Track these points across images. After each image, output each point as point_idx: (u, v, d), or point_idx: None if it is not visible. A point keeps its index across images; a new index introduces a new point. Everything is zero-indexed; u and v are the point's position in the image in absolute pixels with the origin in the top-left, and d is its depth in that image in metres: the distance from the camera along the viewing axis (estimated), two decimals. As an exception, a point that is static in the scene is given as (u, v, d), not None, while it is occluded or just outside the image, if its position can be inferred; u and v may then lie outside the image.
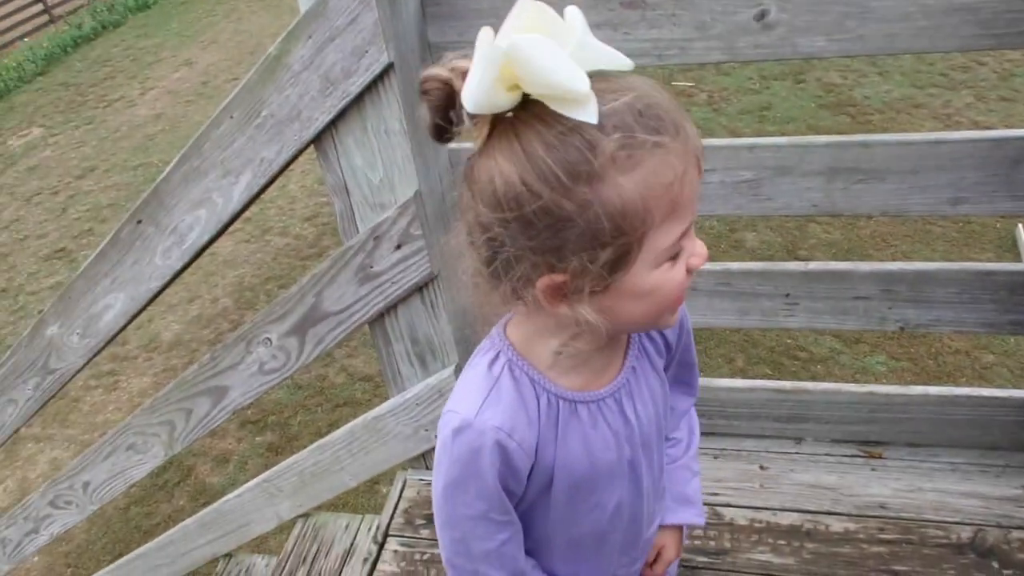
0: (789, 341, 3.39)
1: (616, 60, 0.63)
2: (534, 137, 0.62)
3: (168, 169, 1.39)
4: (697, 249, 0.69)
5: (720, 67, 5.22)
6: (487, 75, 0.61)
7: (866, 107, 4.68)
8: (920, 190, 1.36)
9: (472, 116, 0.64)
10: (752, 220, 3.91)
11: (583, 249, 0.64)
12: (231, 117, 1.33)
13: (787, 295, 1.52)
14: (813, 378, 3.22)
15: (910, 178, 1.35)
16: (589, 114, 0.61)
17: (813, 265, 1.51)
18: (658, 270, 0.67)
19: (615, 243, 0.64)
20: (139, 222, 1.44)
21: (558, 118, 0.62)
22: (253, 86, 1.31)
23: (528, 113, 0.63)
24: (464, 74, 0.63)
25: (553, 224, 0.63)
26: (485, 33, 0.61)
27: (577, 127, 0.61)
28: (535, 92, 0.62)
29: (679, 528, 1.05)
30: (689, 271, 0.70)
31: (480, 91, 0.61)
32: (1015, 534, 1.51)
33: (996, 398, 1.60)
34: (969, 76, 4.73)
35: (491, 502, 0.78)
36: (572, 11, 0.62)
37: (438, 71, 0.65)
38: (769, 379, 2.48)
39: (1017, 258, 3.44)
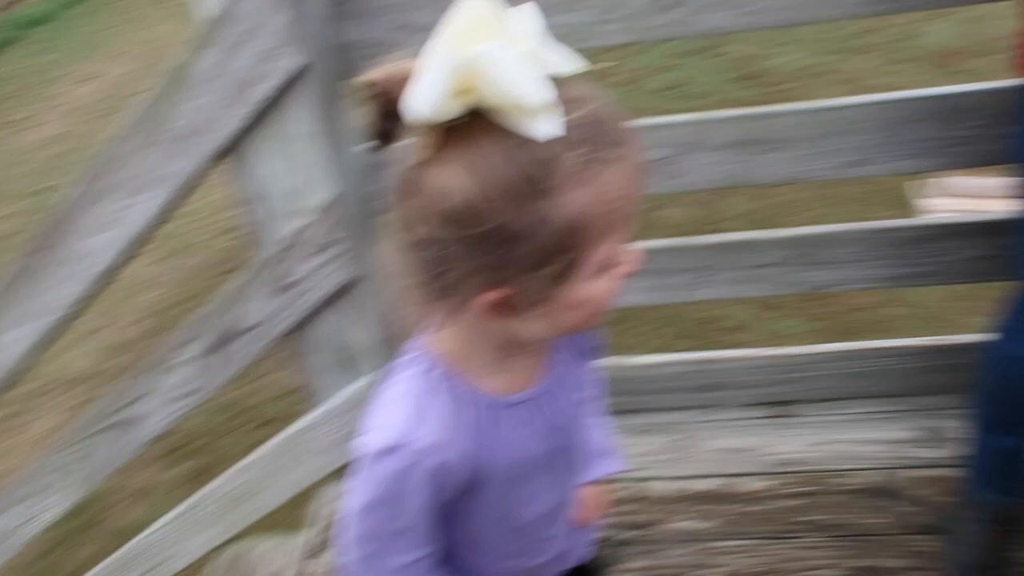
0: (712, 313, 3.48)
1: (570, 61, 0.61)
2: (491, 150, 0.60)
3: (70, 191, 1.34)
4: (631, 255, 0.70)
5: (638, 45, 5.28)
6: (442, 84, 0.58)
7: (780, 77, 4.81)
8: (824, 155, 1.42)
9: (418, 123, 0.61)
10: (673, 197, 3.99)
11: (533, 265, 0.63)
12: (135, 133, 1.29)
13: (701, 268, 1.57)
14: (736, 346, 3.32)
15: (814, 144, 1.41)
16: (552, 128, 0.59)
17: (723, 237, 1.57)
18: (598, 279, 0.67)
19: (565, 257, 0.64)
20: (39, 250, 1.38)
21: (516, 129, 0.60)
22: (158, 99, 1.27)
23: (482, 123, 0.60)
24: (407, 78, 0.60)
25: (508, 240, 0.62)
26: (440, 38, 0.58)
27: (537, 139, 0.60)
28: (494, 104, 0.59)
29: (605, 481, 1.06)
30: (623, 278, 0.70)
31: (432, 99, 0.58)
32: (919, 472, 1.63)
33: (896, 348, 1.70)
34: (877, 39, 4.91)
35: (415, 519, 0.77)
36: (526, 9, 0.60)
37: (379, 75, 0.62)
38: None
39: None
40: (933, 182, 3.35)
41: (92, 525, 3.30)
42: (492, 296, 0.66)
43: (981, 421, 1.43)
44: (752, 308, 3.45)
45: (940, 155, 1.40)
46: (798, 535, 1.56)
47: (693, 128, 1.41)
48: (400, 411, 0.75)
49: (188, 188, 1.34)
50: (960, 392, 1.61)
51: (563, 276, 0.65)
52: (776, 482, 1.64)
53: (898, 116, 1.38)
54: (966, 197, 3.04)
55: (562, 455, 0.88)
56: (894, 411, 1.73)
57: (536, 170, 0.60)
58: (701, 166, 1.42)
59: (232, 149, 1.33)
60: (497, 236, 0.62)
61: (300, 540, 1.79)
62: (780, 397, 1.78)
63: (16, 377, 1.52)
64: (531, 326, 0.69)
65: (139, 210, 1.34)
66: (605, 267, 0.67)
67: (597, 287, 0.68)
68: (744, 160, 1.42)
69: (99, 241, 1.36)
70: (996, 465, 1.44)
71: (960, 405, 1.58)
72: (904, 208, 3.72)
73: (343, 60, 1.33)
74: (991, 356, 1.36)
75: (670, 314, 3.45)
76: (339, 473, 1.72)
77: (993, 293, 1.33)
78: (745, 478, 1.66)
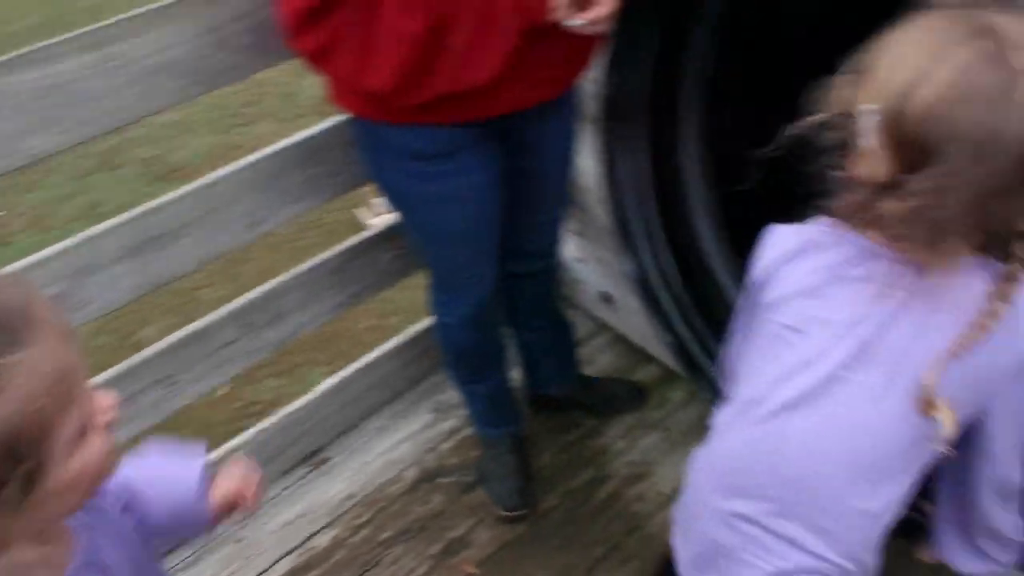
0: (239, 404, 3.39)
1: None
2: None
3: None
4: (103, 403, 0.65)
5: (23, 183, 4.79)
6: None
7: (192, 167, 4.83)
8: (225, 226, 1.46)
9: None
10: (147, 312, 3.76)
11: None
12: None
13: (166, 377, 1.50)
14: (272, 421, 3.28)
15: (212, 219, 1.44)
16: None
17: (174, 337, 1.52)
18: (81, 449, 0.61)
19: (22, 468, 0.57)
20: None
21: None
22: None
23: None
24: None
25: None
26: None
27: None
28: None
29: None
30: (107, 428, 0.65)
31: None
32: (446, 445, 1.83)
33: (382, 354, 1.87)
34: (265, 105, 5.24)
35: None
36: None
37: None
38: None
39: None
40: (370, 203, 3.72)
41: None
42: None
43: (456, 378, 1.67)
44: (272, 379, 3.46)
45: (321, 190, 1.55)
46: (383, 556, 1.63)
47: (81, 250, 1.32)
48: None
49: None
50: (440, 365, 1.86)
51: (34, 480, 0.59)
52: (342, 526, 1.69)
53: (275, 168, 1.50)
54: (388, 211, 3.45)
55: None
56: (403, 409, 1.91)
57: None
58: (104, 286, 1.34)
59: None
60: None
61: None
62: (312, 447, 1.83)
63: None
64: (30, 548, 0.63)
65: None
66: (82, 433, 0.62)
67: (84, 456, 0.62)
68: (150, 261, 1.39)
69: None
70: (483, 408, 1.70)
71: (445, 375, 1.82)
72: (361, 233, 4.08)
73: None
74: (436, 328, 1.59)
75: (202, 422, 3.26)
76: None
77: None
78: (313, 539, 1.67)
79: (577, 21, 1.06)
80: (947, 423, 0.78)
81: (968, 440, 0.87)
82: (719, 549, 0.92)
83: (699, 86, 1.44)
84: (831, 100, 0.78)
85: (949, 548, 0.99)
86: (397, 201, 1.35)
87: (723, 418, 0.95)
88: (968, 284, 0.78)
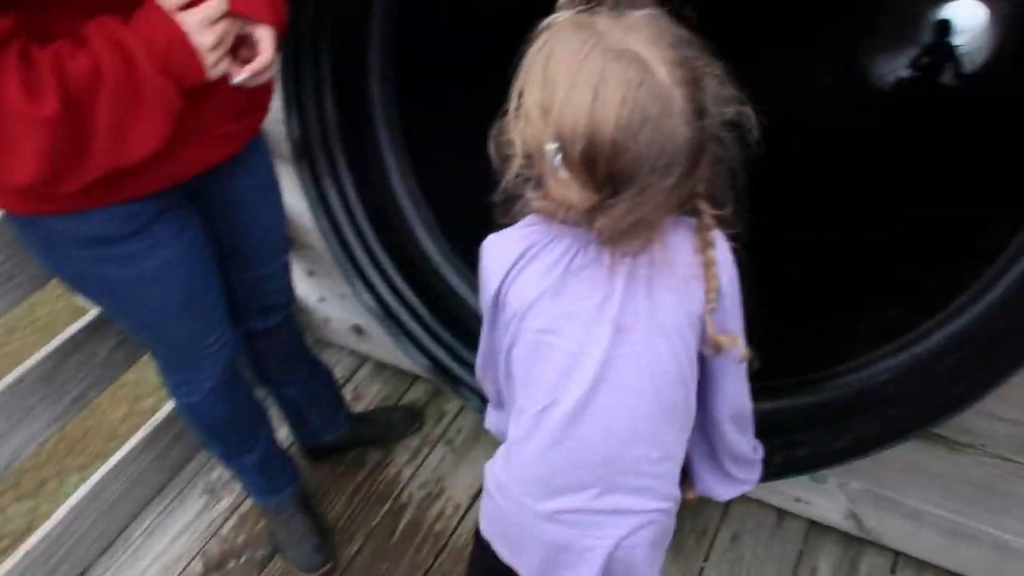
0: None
1: None
2: None
3: None
4: None
5: None
6: None
7: None
8: None
9: None
10: None
11: None
12: None
13: None
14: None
15: None
16: None
17: None
18: None
19: None
20: None
21: None
22: None
23: None
24: None
25: None
26: None
27: None
28: None
29: None
30: None
31: None
32: (224, 529, 1.70)
33: (136, 446, 1.68)
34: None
35: None
36: None
37: None
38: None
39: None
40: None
41: None
42: None
43: (221, 456, 1.55)
44: (20, 505, 3.01)
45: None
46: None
47: None
48: None
49: None
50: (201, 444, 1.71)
51: None
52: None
53: None
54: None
55: None
56: (173, 498, 1.75)
57: None
58: None
59: None
60: None
61: None
62: (73, 573, 1.61)
63: None
64: None
65: None
66: None
67: None
68: None
69: None
70: (257, 478, 1.59)
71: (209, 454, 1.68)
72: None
73: None
74: (181, 411, 1.46)
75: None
76: None
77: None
78: None
79: (240, 76, 1.01)
80: (741, 348, 0.90)
81: (704, 381, 0.96)
82: (559, 548, 0.96)
83: (391, 106, 1.43)
84: (513, 143, 0.80)
85: (706, 482, 1.10)
86: (92, 293, 1.20)
87: (519, 431, 0.96)
88: (676, 242, 0.86)
